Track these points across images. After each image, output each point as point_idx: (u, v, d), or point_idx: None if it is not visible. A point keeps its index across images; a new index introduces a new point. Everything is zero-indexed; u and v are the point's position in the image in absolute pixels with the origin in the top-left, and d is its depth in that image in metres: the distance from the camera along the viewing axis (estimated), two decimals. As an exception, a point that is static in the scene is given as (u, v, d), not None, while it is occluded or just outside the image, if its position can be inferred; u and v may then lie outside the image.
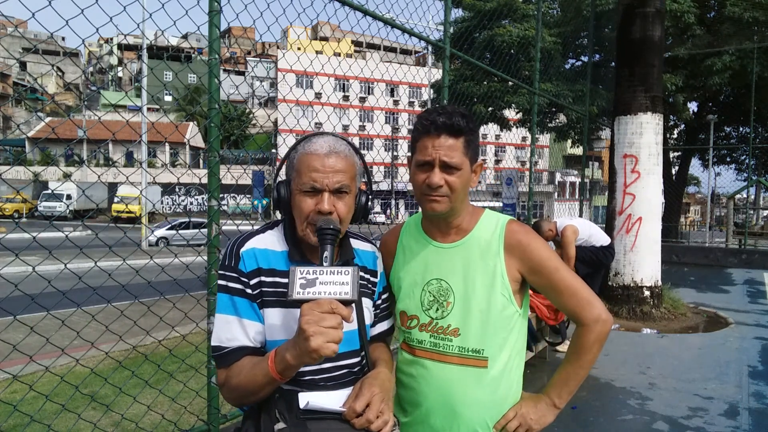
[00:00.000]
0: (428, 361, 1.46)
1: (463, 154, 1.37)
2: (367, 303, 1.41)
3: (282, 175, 1.41)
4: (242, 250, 1.30)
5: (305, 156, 1.30)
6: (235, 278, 1.28)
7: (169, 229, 19.87)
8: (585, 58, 13.26)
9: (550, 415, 1.45)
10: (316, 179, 1.27)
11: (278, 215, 1.48)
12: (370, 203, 1.43)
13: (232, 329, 1.26)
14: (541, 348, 5.03)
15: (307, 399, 1.19)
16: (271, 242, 1.34)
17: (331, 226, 1.22)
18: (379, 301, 1.48)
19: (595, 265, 5.93)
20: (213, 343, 1.28)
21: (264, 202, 27.86)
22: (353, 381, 1.31)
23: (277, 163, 1.44)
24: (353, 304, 1.19)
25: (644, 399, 4.24)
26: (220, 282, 1.30)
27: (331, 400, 1.22)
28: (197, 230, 18.11)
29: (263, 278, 1.29)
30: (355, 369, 1.35)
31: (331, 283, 1.11)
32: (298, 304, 1.11)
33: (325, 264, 1.17)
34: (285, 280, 1.28)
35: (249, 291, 1.28)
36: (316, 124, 5.31)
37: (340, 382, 1.31)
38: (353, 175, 1.34)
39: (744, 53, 13.36)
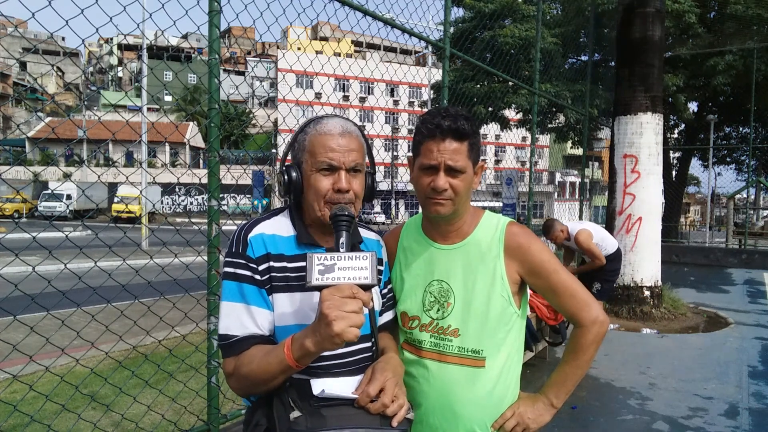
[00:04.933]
0: (429, 361, 1.46)
1: (468, 157, 1.38)
2: (375, 288, 1.40)
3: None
4: (250, 235, 1.29)
5: (319, 137, 1.31)
6: (244, 265, 1.26)
7: None
8: (585, 58, 13.25)
9: (547, 414, 1.46)
10: (333, 158, 1.29)
11: (277, 203, 1.49)
12: (376, 184, 1.46)
13: (241, 317, 1.24)
14: (541, 348, 5.03)
15: (321, 386, 1.17)
16: (278, 227, 1.34)
17: (346, 213, 1.23)
18: (385, 290, 1.49)
19: (612, 278, 6.00)
20: (221, 332, 1.25)
21: (264, 202, 27.84)
22: (365, 367, 1.28)
23: (281, 154, 1.44)
24: (372, 289, 1.19)
25: (644, 399, 4.24)
26: (227, 269, 1.28)
27: (344, 386, 1.21)
28: None
29: (272, 263, 1.27)
30: (367, 354, 1.34)
31: (349, 268, 1.11)
32: (316, 290, 1.11)
33: (342, 250, 1.17)
34: (293, 265, 1.28)
35: (258, 277, 1.26)
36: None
37: (352, 369, 1.29)
38: (363, 154, 1.36)
39: (748, 53, 13.33)
